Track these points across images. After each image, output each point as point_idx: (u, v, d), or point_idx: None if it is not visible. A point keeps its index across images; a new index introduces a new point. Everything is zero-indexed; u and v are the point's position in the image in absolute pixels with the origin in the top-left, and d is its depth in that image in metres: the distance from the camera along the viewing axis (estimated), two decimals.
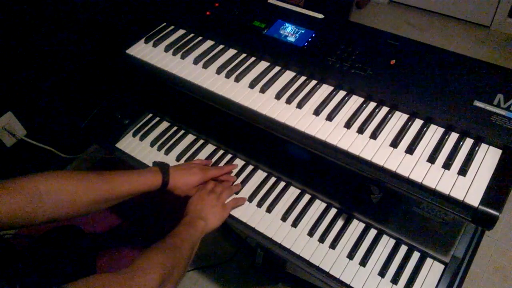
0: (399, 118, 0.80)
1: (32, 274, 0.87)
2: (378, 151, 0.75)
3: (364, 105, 0.83)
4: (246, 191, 0.98)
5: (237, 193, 0.98)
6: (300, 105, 0.84)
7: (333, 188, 0.97)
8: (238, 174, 1.01)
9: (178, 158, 1.05)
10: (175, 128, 1.14)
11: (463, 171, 0.70)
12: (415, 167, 0.72)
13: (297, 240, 0.90)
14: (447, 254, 0.84)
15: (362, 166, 0.75)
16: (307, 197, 0.97)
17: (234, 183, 0.99)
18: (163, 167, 0.89)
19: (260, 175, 1.01)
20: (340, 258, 0.87)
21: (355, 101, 0.85)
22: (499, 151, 0.72)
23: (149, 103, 1.20)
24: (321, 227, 0.92)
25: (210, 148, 1.08)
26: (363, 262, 0.86)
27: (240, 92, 0.89)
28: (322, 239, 0.89)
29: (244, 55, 0.97)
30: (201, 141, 1.10)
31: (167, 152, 1.07)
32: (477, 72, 0.82)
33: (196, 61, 0.97)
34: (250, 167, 1.03)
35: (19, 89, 1.34)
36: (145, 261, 0.69)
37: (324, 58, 0.90)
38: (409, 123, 0.79)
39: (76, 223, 1.07)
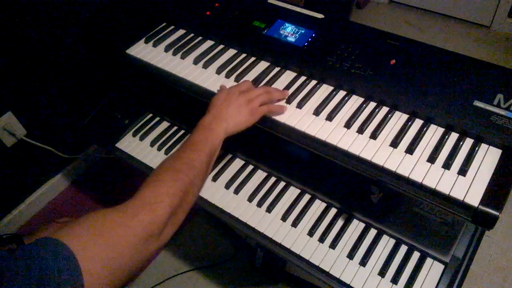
0: (399, 118, 0.80)
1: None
2: (378, 151, 0.75)
3: (364, 105, 0.83)
4: (246, 191, 0.98)
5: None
6: (300, 105, 0.84)
7: (333, 188, 0.97)
8: (238, 174, 1.01)
9: None
10: (175, 128, 1.14)
11: (463, 171, 0.70)
12: (415, 167, 0.72)
13: (297, 240, 0.90)
14: (447, 254, 0.84)
15: (362, 166, 0.75)
16: (307, 197, 0.97)
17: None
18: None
19: (260, 175, 1.01)
20: (340, 258, 0.87)
21: (355, 101, 0.85)
22: (499, 151, 0.72)
23: (149, 103, 1.20)
24: (321, 227, 0.92)
25: None
26: (363, 262, 0.86)
27: None
28: (322, 239, 0.89)
29: (244, 55, 0.97)
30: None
31: (167, 152, 1.07)
32: (477, 72, 0.82)
33: (196, 61, 0.97)
34: (250, 167, 1.03)
35: (19, 89, 1.34)
36: (151, 191, 0.60)
37: (324, 58, 0.90)
38: (409, 123, 0.79)
39: None
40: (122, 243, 0.52)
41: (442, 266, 0.84)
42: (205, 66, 0.95)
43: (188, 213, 0.66)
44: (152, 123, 1.15)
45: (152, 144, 1.09)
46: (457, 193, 0.67)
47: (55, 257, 0.44)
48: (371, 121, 0.80)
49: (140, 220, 0.55)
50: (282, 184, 0.99)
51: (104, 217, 0.54)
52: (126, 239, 0.53)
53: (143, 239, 0.55)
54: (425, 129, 0.77)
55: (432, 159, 0.72)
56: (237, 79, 0.91)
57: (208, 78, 0.93)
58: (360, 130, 0.79)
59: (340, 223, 0.93)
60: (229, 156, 1.05)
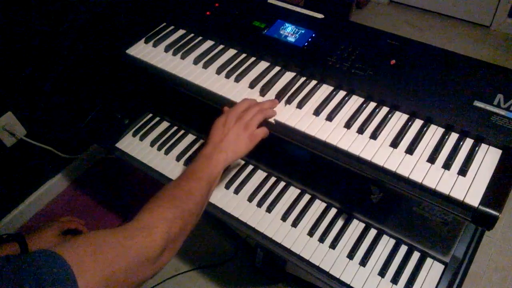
0: (399, 118, 0.80)
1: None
2: (378, 151, 0.75)
3: (364, 105, 0.83)
4: (246, 191, 0.98)
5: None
6: (300, 105, 0.84)
7: (333, 188, 0.97)
8: (237, 174, 1.01)
9: (178, 158, 1.05)
10: (175, 128, 1.14)
11: (463, 171, 0.70)
12: (415, 167, 0.72)
13: (297, 240, 0.90)
14: (447, 254, 0.84)
15: (362, 166, 0.75)
16: (307, 197, 0.97)
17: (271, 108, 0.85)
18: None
19: (260, 175, 1.01)
20: (340, 258, 0.87)
21: (355, 101, 0.85)
22: (499, 151, 0.72)
23: (149, 103, 1.20)
24: (321, 227, 0.92)
25: None
26: (363, 262, 0.86)
27: (240, 92, 0.89)
28: (322, 239, 0.89)
29: (244, 55, 0.97)
30: (201, 141, 1.10)
31: (167, 152, 1.07)
32: (477, 72, 0.82)
33: (196, 61, 0.97)
34: (250, 167, 1.03)
35: (19, 89, 1.34)
36: (150, 216, 0.61)
37: (324, 58, 0.90)
38: (409, 123, 0.79)
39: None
40: (119, 262, 0.52)
41: (442, 266, 0.84)
42: (205, 66, 0.95)
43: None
44: (152, 123, 1.15)
45: (152, 144, 1.09)
46: (457, 193, 0.67)
47: (51, 269, 0.44)
48: (371, 121, 0.80)
49: (138, 242, 0.56)
50: (282, 184, 0.99)
51: (103, 236, 0.54)
52: (122, 258, 0.53)
53: (140, 262, 0.55)
54: (425, 129, 0.77)
55: (432, 159, 0.72)
56: (237, 79, 0.91)
57: (208, 78, 0.93)
58: (360, 130, 0.79)
59: (340, 223, 0.93)
60: None
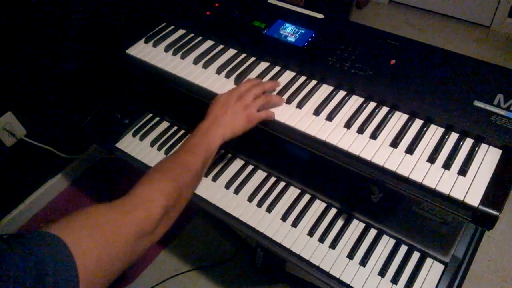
0: (399, 118, 0.80)
1: None
2: (378, 151, 0.75)
3: (364, 105, 0.83)
4: (246, 191, 0.98)
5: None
6: (300, 105, 0.84)
7: (333, 188, 0.97)
8: (238, 174, 1.01)
9: None
10: (175, 128, 1.14)
11: (463, 171, 0.70)
12: (415, 167, 0.72)
13: (297, 240, 0.90)
14: (447, 254, 0.84)
15: (362, 166, 0.75)
16: (307, 197, 0.97)
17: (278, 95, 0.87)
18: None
19: (260, 175, 1.01)
20: (340, 258, 0.87)
21: (355, 101, 0.85)
22: (499, 151, 0.72)
23: (149, 103, 1.20)
24: (321, 227, 0.92)
25: None
26: (363, 262, 0.86)
27: None
28: (322, 239, 0.89)
29: (244, 55, 0.97)
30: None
31: (167, 152, 1.07)
32: (477, 72, 0.82)
33: (196, 61, 0.97)
34: (250, 167, 1.03)
35: (19, 89, 1.34)
36: (146, 190, 0.61)
37: (324, 58, 0.90)
38: (409, 123, 0.79)
39: None
40: (116, 238, 0.53)
41: (442, 266, 0.84)
42: (205, 66, 0.95)
43: (181, 213, 0.67)
44: (152, 123, 1.15)
45: (152, 144, 1.09)
46: (457, 193, 0.67)
47: (51, 250, 0.44)
48: (371, 121, 0.80)
49: (135, 217, 0.56)
50: (282, 184, 0.99)
51: (99, 212, 0.54)
52: (120, 235, 0.53)
53: (137, 236, 0.56)
54: (425, 129, 0.77)
55: (432, 159, 0.72)
56: (237, 79, 0.91)
57: (208, 78, 0.93)
58: (360, 130, 0.79)
59: (340, 223, 0.93)
60: (229, 156, 1.05)
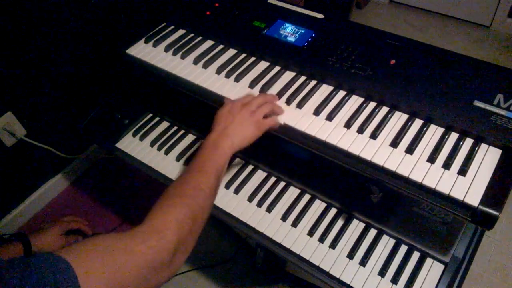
0: (399, 118, 0.80)
1: None
2: (378, 151, 0.75)
3: (364, 105, 0.83)
4: (246, 191, 0.98)
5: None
6: (300, 105, 0.84)
7: (333, 188, 0.97)
8: (237, 174, 1.01)
9: (178, 158, 1.05)
10: (175, 128, 1.14)
11: (463, 171, 0.70)
12: (415, 167, 0.72)
13: (297, 240, 0.90)
14: (447, 254, 0.84)
15: (362, 166, 0.75)
16: (307, 197, 0.97)
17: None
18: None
19: (260, 175, 1.01)
20: (340, 258, 0.87)
21: (355, 101, 0.85)
22: (499, 151, 0.72)
23: (149, 103, 1.20)
24: (321, 227, 0.92)
25: None
26: (363, 262, 0.86)
27: (240, 92, 0.89)
28: (322, 239, 0.89)
29: (244, 55, 0.97)
30: (201, 141, 1.10)
31: (167, 152, 1.07)
32: (477, 72, 0.82)
33: (196, 61, 0.97)
34: (250, 167, 1.03)
35: (19, 89, 1.34)
36: (160, 218, 0.59)
37: (324, 58, 0.90)
38: (409, 123, 0.79)
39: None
40: (128, 266, 0.50)
41: (442, 266, 0.84)
42: (205, 66, 0.95)
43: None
44: (152, 123, 1.15)
45: (152, 144, 1.09)
46: (457, 193, 0.67)
47: (53, 271, 0.43)
48: (371, 121, 0.80)
49: (149, 246, 0.54)
50: (282, 184, 0.99)
51: (111, 240, 0.52)
52: (132, 265, 0.51)
53: (152, 267, 0.54)
54: (425, 129, 0.77)
55: (432, 159, 0.72)
56: (237, 79, 0.91)
57: (208, 78, 0.93)
58: (360, 130, 0.79)
59: (340, 223, 0.93)
60: None
